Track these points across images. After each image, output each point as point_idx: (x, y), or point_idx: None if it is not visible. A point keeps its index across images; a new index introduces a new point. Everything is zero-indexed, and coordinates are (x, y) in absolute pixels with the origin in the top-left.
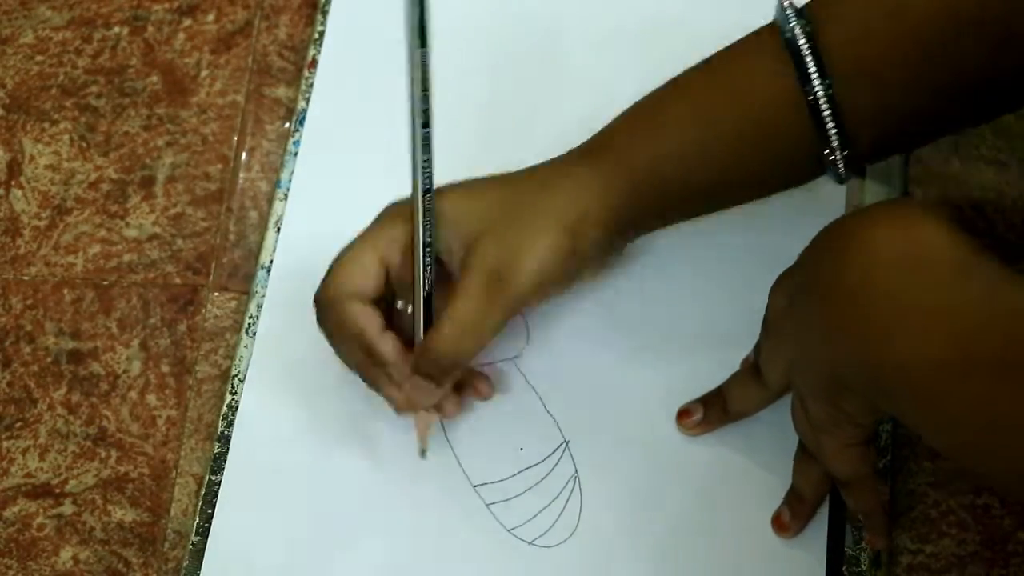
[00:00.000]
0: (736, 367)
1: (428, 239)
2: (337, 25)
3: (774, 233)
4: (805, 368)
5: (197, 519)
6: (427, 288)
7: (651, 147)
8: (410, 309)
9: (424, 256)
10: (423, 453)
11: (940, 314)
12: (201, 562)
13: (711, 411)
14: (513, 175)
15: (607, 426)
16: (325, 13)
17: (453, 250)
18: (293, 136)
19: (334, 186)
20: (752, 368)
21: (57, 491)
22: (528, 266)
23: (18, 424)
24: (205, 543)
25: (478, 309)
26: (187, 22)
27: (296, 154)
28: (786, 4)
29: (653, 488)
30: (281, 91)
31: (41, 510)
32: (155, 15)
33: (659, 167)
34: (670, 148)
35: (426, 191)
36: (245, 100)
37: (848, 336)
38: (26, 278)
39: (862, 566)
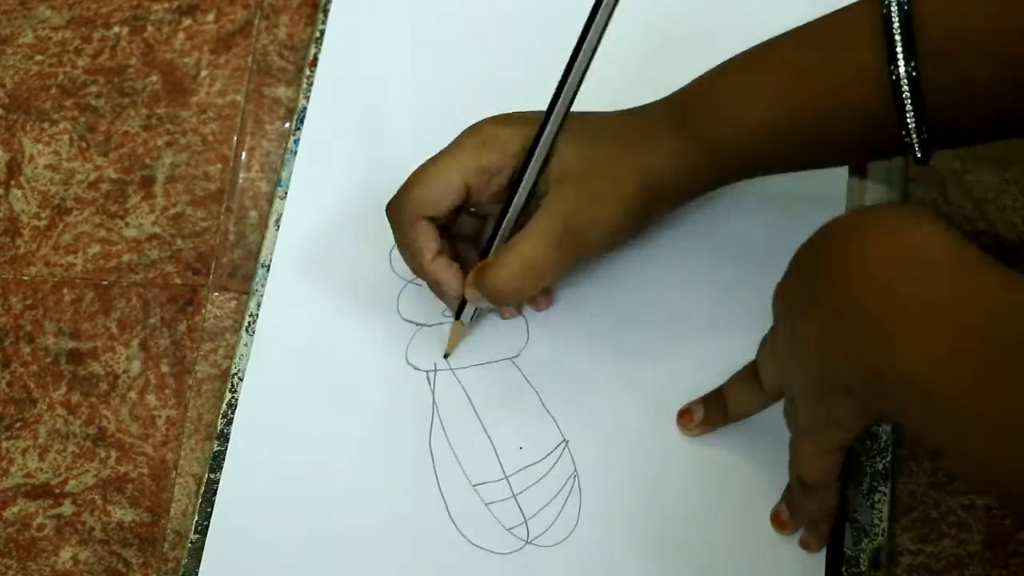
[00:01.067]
0: (736, 366)
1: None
2: (338, 24)
3: (774, 232)
4: (797, 371)
5: (196, 517)
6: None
7: (735, 122)
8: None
9: (531, 188)
10: (446, 356)
11: (941, 313)
12: (200, 560)
13: (711, 412)
14: (602, 121)
15: (607, 425)
16: (326, 12)
17: (539, 186)
18: (293, 135)
19: (334, 185)
20: (751, 370)
21: (57, 491)
22: (602, 225)
23: (18, 424)
24: (204, 541)
25: (546, 255)
26: (187, 22)
27: (296, 153)
28: None
29: (652, 487)
30: (281, 91)
31: (41, 510)
32: (155, 15)
33: (741, 141)
34: (754, 123)
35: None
36: (245, 100)
37: (847, 338)
38: (26, 278)
39: (861, 567)
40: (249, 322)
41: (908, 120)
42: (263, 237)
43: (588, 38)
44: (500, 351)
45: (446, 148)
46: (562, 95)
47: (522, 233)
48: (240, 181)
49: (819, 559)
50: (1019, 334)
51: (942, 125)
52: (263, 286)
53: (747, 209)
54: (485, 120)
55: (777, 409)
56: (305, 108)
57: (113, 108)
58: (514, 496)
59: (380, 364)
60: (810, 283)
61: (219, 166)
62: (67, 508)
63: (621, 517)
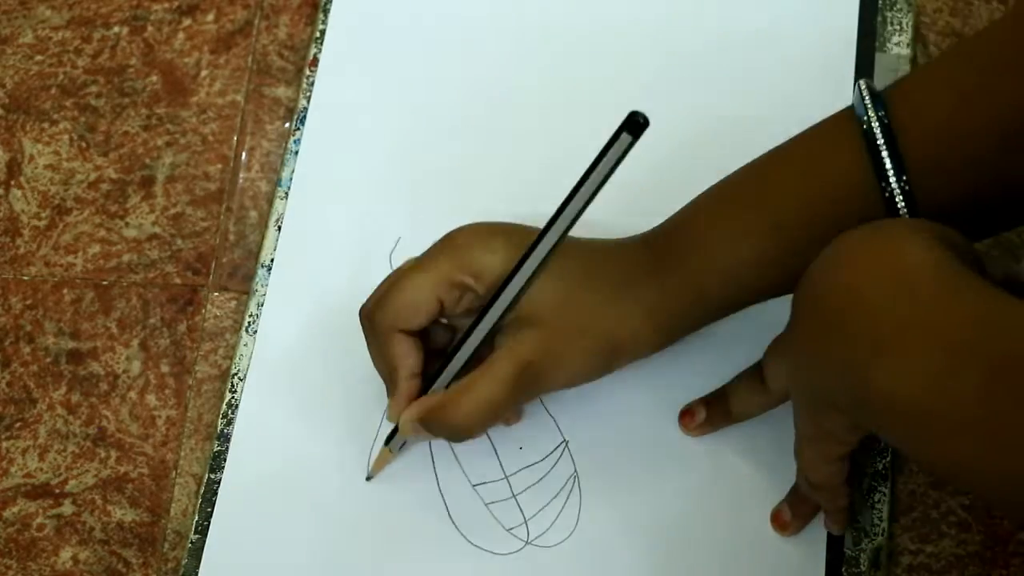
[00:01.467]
0: (737, 368)
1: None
2: (339, 24)
3: None
4: (794, 382)
5: (196, 517)
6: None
7: (723, 260)
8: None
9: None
10: (368, 478)
11: (927, 332)
12: (200, 560)
13: (713, 412)
14: (579, 258)
15: (607, 426)
16: (327, 11)
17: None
18: (294, 135)
19: (335, 185)
20: (756, 371)
21: (57, 491)
22: (562, 374)
23: (18, 424)
24: (204, 541)
25: (504, 396)
26: (187, 22)
27: (297, 153)
28: (863, 90)
29: (652, 488)
30: (281, 91)
31: (41, 510)
32: (155, 15)
33: (730, 279)
34: (742, 262)
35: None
36: (245, 100)
37: (833, 357)
38: (26, 278)
39: (861, 567)
40: (249, 322)
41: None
42: (263, 237)
43: (584, 189)
44: None
45: (421, 259)
46: (540, 244)
47: (481, 372)
48: (240, 181)
49: (819, 560)
50: (1000, 353)
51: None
52: (264, 286)
53: None
54: (466, 230)
55: (779, 410)
56: (306, 108)
57: (113, 108)
58: (514, 496)
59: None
60: (806, 301)
61: (219, 166)
62: (67, 508)
63: (621, 518)
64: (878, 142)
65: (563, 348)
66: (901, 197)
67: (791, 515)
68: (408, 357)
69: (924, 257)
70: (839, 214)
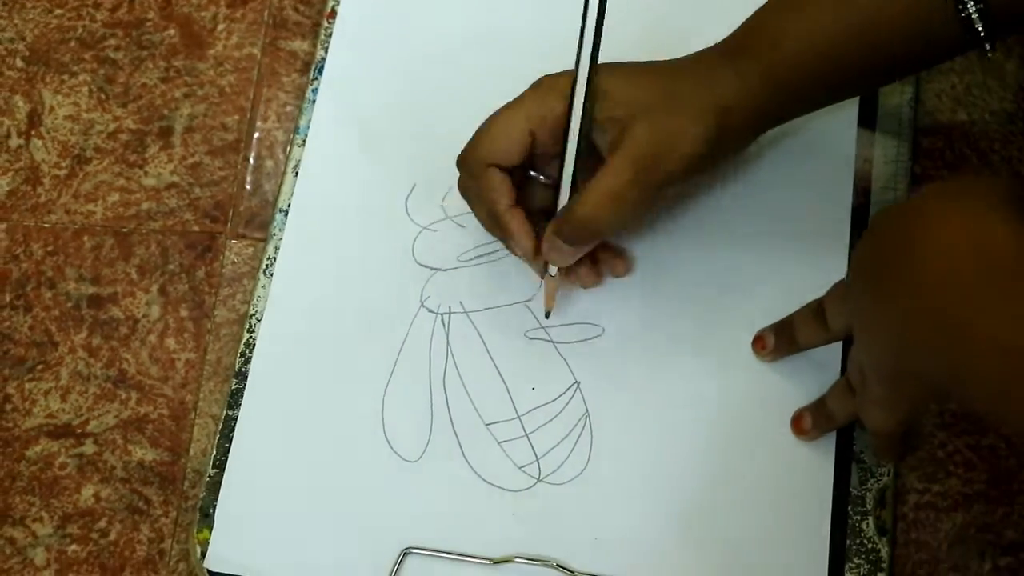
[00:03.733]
0: (754, 314)
1: (585, 112)
2: None
3: (780, 186)
4: (871, 347)
5: (214, 453)
6: (576, 158)
7: (794, 43)
8: (549, 179)
9: (581, 127)
10: (547, 314)
11: (1018, 306)
12: (217, 494)
13: (780, 340)
14: (665, 66)
15: (617, 368)
16: None
17: (606, 129)
18: (312, 84)
19: (351, 133)
20: (818, 307)
21: (79, 431)
22: (679, 152)
23: (40, 367)
24: (222, 475)
25: (625, 185)
26: None
27: (315, 102)
28: None
29: (661, 428)
30: (296, 44)
31: (63, 449)
32: None
33: (802, 62)
34: (813, 42)
35: (591, 67)
36: (261, 53)
37: (924, 335)
38: (47, 225)
39: (867, 506)
40: (267, 265)
41: (970, 6)
42: (280, 185)
43: None
44: (513, 295)
45: (510, 101)
46: (585, 21)
47: (599, 172)
48: (257, 132)
49: (825, 499)
50: None
51: (1002, 9)
52: (281, 230)
53: (757, 166)
54: (551, 75)
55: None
56: (323, 59)
57: (132, 61)
58: (527, 435)
59: (395, 306)
60: (885, 268)
61: (236, 117)
62: (89, 448)
63: (631, 458)
64: None
65: (669, 125)
66: (976, 16)
67: (811, 424)
68: (503, 188)
69: (1005, 229)
70: (910, 26)
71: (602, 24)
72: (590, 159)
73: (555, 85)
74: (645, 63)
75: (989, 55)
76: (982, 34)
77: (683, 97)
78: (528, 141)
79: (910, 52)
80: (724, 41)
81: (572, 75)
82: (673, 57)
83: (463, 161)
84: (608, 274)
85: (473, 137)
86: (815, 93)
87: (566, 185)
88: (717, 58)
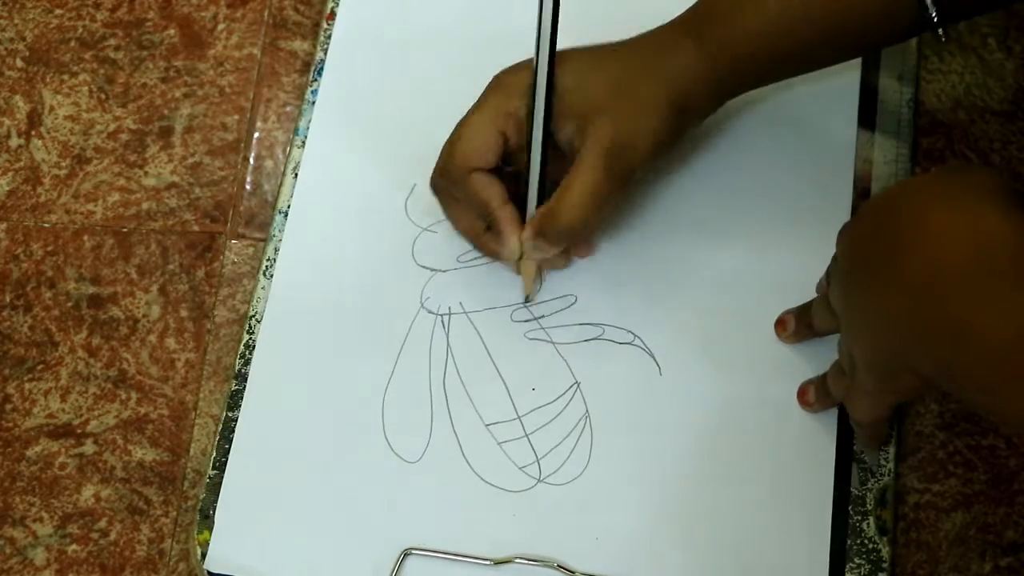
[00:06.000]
0: (751, 311)
1: (547, 110)
2: None
3: (780, 186)
4: (863, 340)
5: (214, 454)
6: (542, 158)
7: (753, 17)
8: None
9: (543, 128)
10: (527, 299)
11: (1012, 302)
12: (217, 495)
13: (799, 325)
14: (623, 48)
15: (617, 369)
16: None
17: (566, 126)
18: (311, 86)
19: (351, 134)
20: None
21: (79, 431)
22: (644, 142)
23: (40, 367)
24: (222, 477)
25: (600, 181)
26: None
27: (314, 103)
28: None
29: (661, 429)
30: (296, 44)
31: (63, 449)
32: None
33: (761, 36)
34: (772, 15)
35: (549, 63)
36: (261, 53)
37: (919, 327)
38: (47, 225)
39: (868, 506)
40: (267, 266)
41: None
42: (280, 186)
43: None
44: (513, 296)
45: (472, 106)
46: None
47: (572, 170)
48: (257, 132)
49: (826, 499)
50: None
51: None
52: (280, 232)
53: (756, 163)
54: (508, 69)
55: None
56: (323, 60)
57: (131, 60)
58: (527, 436)
59: (395, 307)
60: (875, 262)
61: (236, 117)
62: (89, 448)
63: (631, 458)
64: None
65: (632, 113)
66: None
67: (815, 399)
68: (493, 187)
69: (1000, 222)
70: (867, 4)
71: (557, 21)
72: (553, 152)
73: (513, 82)
74: (602, 47)
75: (943, 38)
76: (935, 19)
77: (641, 81)
78: (501, 141)
79: (867, 28)
80: (681, 16)
81: (527, 68)
82: (634, 35)
83: (444, 172)
84: (574, 257)
85: (445, 148)
86: (773, 66)
87: (533, 186)
88: (674, 34)
